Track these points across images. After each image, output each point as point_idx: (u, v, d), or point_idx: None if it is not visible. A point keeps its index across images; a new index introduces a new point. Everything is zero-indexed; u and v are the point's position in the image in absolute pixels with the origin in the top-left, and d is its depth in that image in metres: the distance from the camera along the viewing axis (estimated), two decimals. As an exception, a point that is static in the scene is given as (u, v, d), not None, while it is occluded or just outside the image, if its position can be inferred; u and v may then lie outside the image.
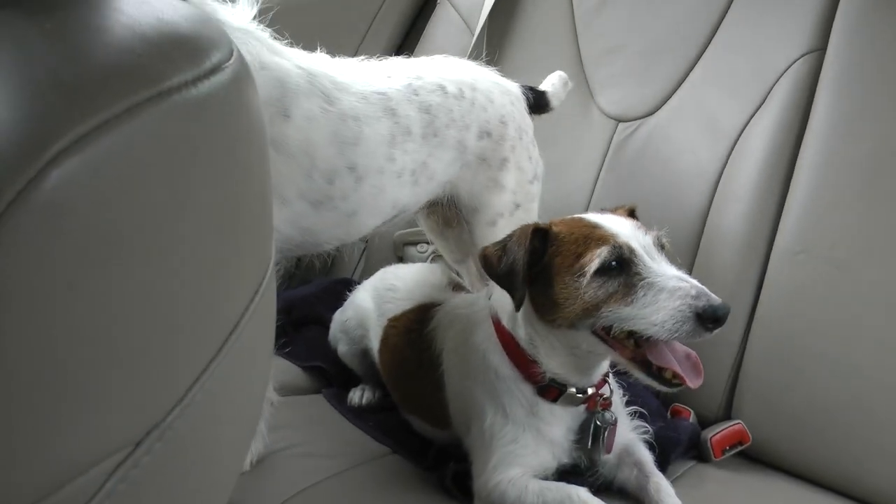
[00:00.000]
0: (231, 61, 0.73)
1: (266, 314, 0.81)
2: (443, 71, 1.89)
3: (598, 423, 1.75)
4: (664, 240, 1.66)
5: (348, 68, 1.76)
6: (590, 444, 1.75)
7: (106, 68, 0.61)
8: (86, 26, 0.65)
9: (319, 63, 1.70)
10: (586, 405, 1.75)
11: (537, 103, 2.09)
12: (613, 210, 1.78)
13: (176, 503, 0.73)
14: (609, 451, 1.77)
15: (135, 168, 0.60)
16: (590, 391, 1.74)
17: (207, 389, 0.70)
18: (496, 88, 1.94)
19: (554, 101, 2.13)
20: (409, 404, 2.04)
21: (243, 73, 0.76)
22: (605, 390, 1.78)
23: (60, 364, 0.56)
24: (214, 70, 0.70)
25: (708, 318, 1.47)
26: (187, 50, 0.69)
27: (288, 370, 2.29)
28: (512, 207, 1.93)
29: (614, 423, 1.76)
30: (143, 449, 0.65)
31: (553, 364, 1.69)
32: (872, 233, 2.00)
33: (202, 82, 0.68)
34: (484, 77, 1.95)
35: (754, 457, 2.09)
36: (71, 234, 0.55)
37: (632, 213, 1.78)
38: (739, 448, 2.04)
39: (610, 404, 1.78)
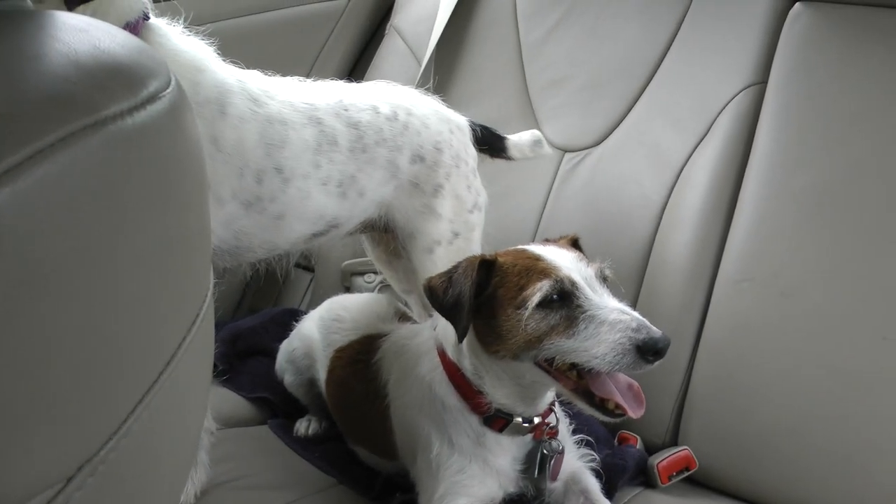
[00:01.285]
0: (169, 90, 0.73)
1: (203, 344, 0.80)
2: (381, 94, 1.92)
3: (544, 451, 1.75)
4: (607, 271, 1.67)
5: (280, 82, 1.81)
6: (536, 472, 1.75)
7: (40, 96, 0.60)
8: (21, 54, 0.65)
9: (252, 75, 1.76)
10: (533, 434, 1.75)
11: (492, 145, 2.10)
12: (557, 240, 1.79)
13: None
14: (555, 478, 1.77)
15: (68, 198, 0.59)
16: (536, 420, 1.74)
17: (143, 420, 0.69)
18: (434, 115, 1.96)
19: (514, 152, 2.13)
20: (356, 435, 2.03)
21: (181, 102, 0.75)
22: (552, 419, 1.78)
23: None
24: (151, 99, 0.69)
25: (648, 351, 1.48)
26: (124, 79, 0.68)
27: (233, 401, 2.26)
28: (450, 236, 1.93)
29: (561, 452, 1.76)
30: (74, 484, 0.64)
31: (499, 394, 1.69)
32: (815, 260, 2.04)
33: (139, 111, 0.67)
34: (423, 103, 1.97)
35: (701, 482, 2.10)
36: (2, 263, 0.54)
37: (575, 244, 1.79)
38: (686, 473, 2.06)
39: (556, 433, 1.78)
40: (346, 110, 1.81)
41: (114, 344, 0.65)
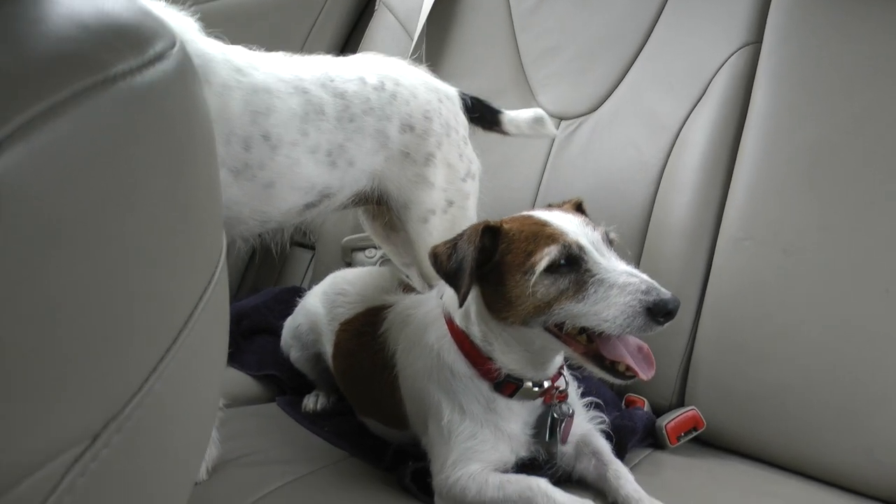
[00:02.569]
0: (174, 50, 0.72)
1: (220, 305, 0.80)
2: (368, 65, 1.91)
3: (554, 415, 1.76)
4: (612, 234, 1.67)
5: (264, 55, 1.80)
6: (547, 436, 1.75)
7: (48, 56, 0.60)
8: (24, 18, 0.64)
9: (236, 48, 1.76)
10: (543, 398, 1.76)
11: (484, 116, 2.10)
12: (560, 205, 1.79)
13: (136, 498, 0.72)
14: (565, 441, 1.77)
15: (81, 155, 0.59)
16: (546, 384, 1.74)
17: (165, 379, 0.69)
18: (422, 85, 1.95)
19: (510, 127, 2.12)
20: (365, 407, 2.04)
21: (187, 63, 0.75)
22: (561, 383, 1.79)
23: (10, 355, 0.55)
24: (158, 58, 0.69)
25: (659, 313, 1.48)
26: (130, 38, 0.68)
27: (240, 380, 2.27)
28: (444, 205, 1.93)
29: (571, 415, 1.77)
30: (101, 441, 0.64)
31: (508, 360, 1.70)
32: (815, 216, 2.04)
33: (146, 70, 0.67)
34: (410, 74, 1.97)
35: (709, 442, 2.12)
36: (17, 222, 0.54)
37: (579, 208, 1.79)
38: (694, 434, 2.07)
39: (566, 396, 1.79)
40: (331, 81, 1.81)
41: (133, 301, 0.65)
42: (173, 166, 0.71)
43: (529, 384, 1.72)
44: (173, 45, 0.73)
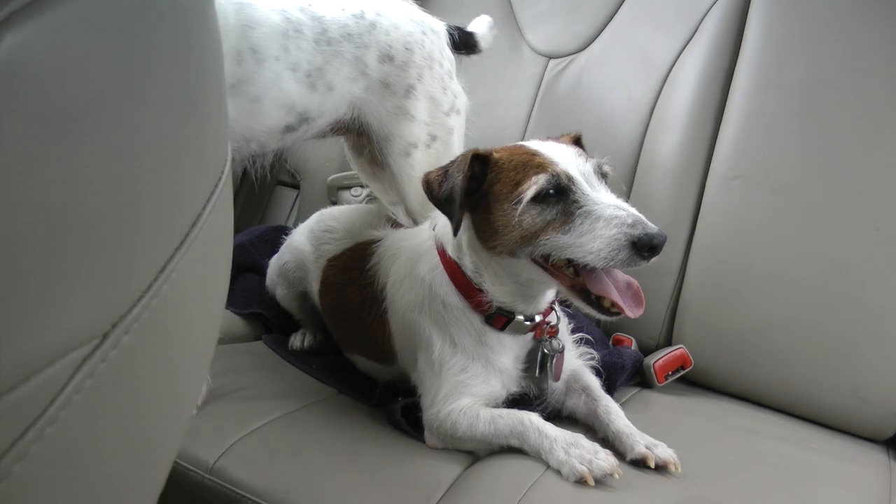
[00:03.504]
0: None
1: (225, 210, 0.78)
2: None
3: (545, 350, 1.75)
4: (606, 167, 1.64)
5: None
6: (538, 371, 1.75)
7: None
8: None
9: None
10: (534, 333, 1.75)
11: (465, 43, 2.08)
12: (558, 138, 1.76)
13: (144, 402, 0.70)
14: (557, 378, 1.77)
15: (92, 36, 0.57)
16: (537, 319, 1.74)
17: (173, 281, 0.67)
18: (406, 18, 1.94)
19: (483, 43, 2.11)
20: (353, 343, 2.02)
21: (196, -38, 0.72)
22: (552, 318, 1.79)
23: (21, 244, 0.53)
24: (169, -50, 0.66)
25: (644, 247, 1.46)
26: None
27: (226, 318, 2.25)
28: (427, 139, 1.91)
29: (561, 351, 1.77)
30: (110, 342, 0.62)
31: (499, 292, 1.69)
32: (806, 155, 2.04)
33: (157, -39, 0.64)
34: (395, 6, 1.95)
35: (697, 381, 2.13)
36: (28, 101, 0.52)
37: (577, 141, 1.77)
38: (682, 372, 2.08)
39: (557, 332, 1.78)
40: (309, 5, 1.80)
41: (144, 194, 0.63)
42: (184, 56, 0.69)
43: (521, 318, 1.71)
44: None
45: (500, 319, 1.70)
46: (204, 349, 0.84)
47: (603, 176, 1.62)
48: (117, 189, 0.60)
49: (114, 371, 0.63)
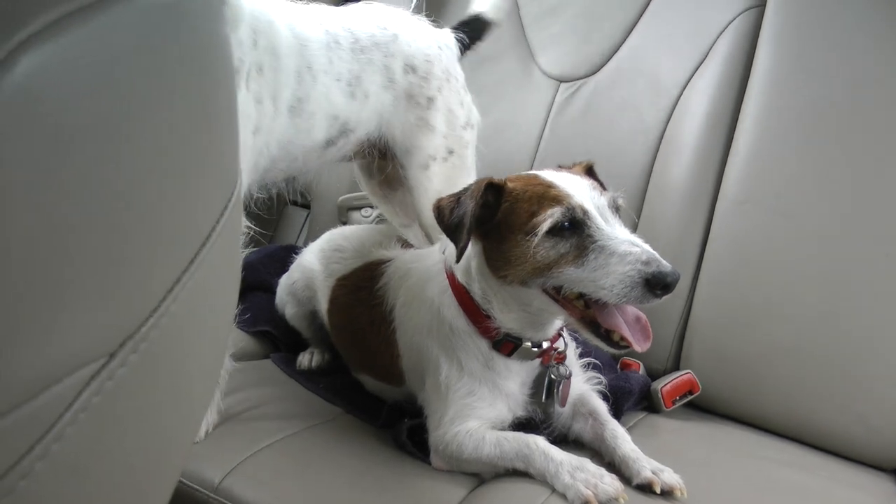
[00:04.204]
0: None
1: (234, 232, 0.79)
2: (371, 11, 1.97)
3: (552, 376, 1.75)
4: (620, 200, 1.64)
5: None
6: (544, 397, 1.75)
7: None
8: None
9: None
10: (541, 359, 1.75)
11: (476, 30, 2.14)
12: (570, 167, 1.77)
13: (149, 421, 0.71)
14: (564, 404, 1.77)
15: (110, 59, 0.58)
16: (545, 345, 1.74)
17: (182, 300, 0.68)
18: (422, 31, 2.00)
19: (491, 15, 2.16)
20: (361, 363, 2.03)
21: (209, -18, 0.74)
22: (560, 344, 1.79)
23: (30, 264, 0.54)
24: (183, -27, 0.67)
25: (657, 285, 1.46)
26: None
27: (235, 336, 2.25)
28: (444, 152, 1.94)
29: (568, 377, 1.77)
30: (117, 360, 0.63)
31: (506, 319, 1.69)
32: (815, 179, 2.03)
33: (172, -18, 0.65)
34: (410, 21, 2.01)
35: (704, 406, 2.12)
36: (45, 122, 0.53)
37: (589, 171, 1.78)
38: (689, 397, 2.07)
39: (564, 358, 1.78)
40: (340, 19, 1.87)
41: (156, 214, 0.64)
42: (197, 79, 0.70)
43: (528, 344, 1.71)
44: None
45: (507, 346, 1.70)
46: (211, 368, 0.84)
47: (616, 209, 1.63)
48: (128, 208, 0.61)
49: (121, 389, 0.64)
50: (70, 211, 0.55)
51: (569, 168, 1.75)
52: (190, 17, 0.68)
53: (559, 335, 1.78)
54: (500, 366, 1.71)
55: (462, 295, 1.72)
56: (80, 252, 0.57)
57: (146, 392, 0.69)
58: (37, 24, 0.52)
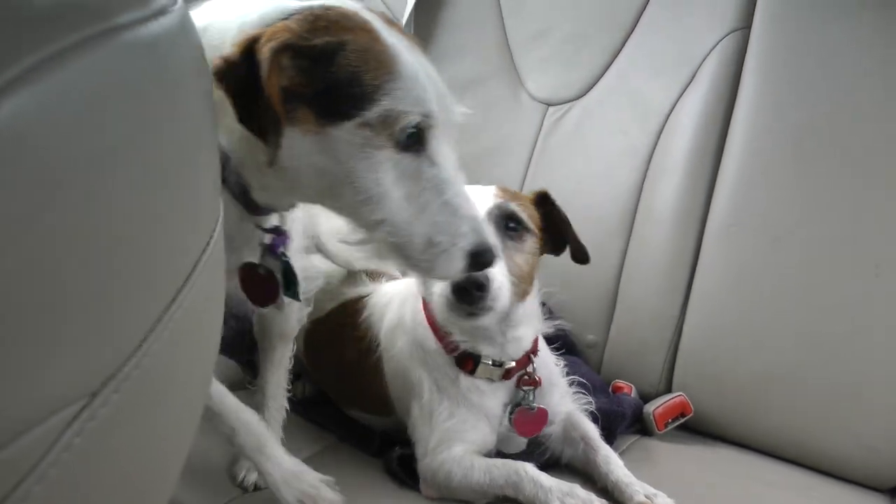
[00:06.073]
0: (177, 7, 0.71)
1: (217, 265, 0.79)
2: None
3: (520, 402, 1.75)
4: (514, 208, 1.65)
5: None
6: (505, 420, 1.75)
7: (53, 3, 0.58)
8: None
9: None
10: (516, 382, 1.75)
11: None
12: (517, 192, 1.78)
13: (134, 457, 0.70)
14: (526, 435, 1.77)
15: (85, 103, 0.58)
16: (508, 365, 1.73)
17: (164, 339, 0.68)
18: None
19: None
20: (349, 398, 2.01)
21: (188, 21, 0.74)
22: (531, 367, 1.77)
23: (10, 305, 0.53)
24: (162, 12, 0.68)
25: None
26: (133, -10, 0.66)
27: (226, 365, 2.24)
28: None
29: (535, 410, 1.75)
30: (99, 400, 0.63)
31: (456, 332, 1.70)
32: (804, 201, 2.04)
33: (150, 23, 0.65)
34: None
35: (697, 428, 2.11)
36: (27, 165, 0.53)
37: (544, 198, 1.75)
38: (682, 420, 2.06)
39: (535, 382, 1.76)
40: None
41: (133, 254, 0.64)
42: (177, 120, 0.70)
43: (489, 362, 1.71)
44: (175, 1, 0.71)
45: (467, 362, 1.71)
46: (195, 404, 0.84)
47: (510, 219, 1.64)
48: (108, 249, 0.61)
49: (104, 428, 0.64)
50: (51, 254, 0.55)
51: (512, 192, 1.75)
52: (170, 55, 0.68)
53: (528, 359, 1.77)
54: (466, 384, 1.72)
55: (428, 314, 1.73)
56: (60, 294, 0.57)
57: (130, 430, 0.68)
58: (17, 69, 0.52)
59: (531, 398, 1.75)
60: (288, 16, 1.13)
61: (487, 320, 1.56)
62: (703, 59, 2.31)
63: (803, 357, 1.98)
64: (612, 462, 1.70)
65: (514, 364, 1.74)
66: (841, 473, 1.95)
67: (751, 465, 1.98)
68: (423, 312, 1.76)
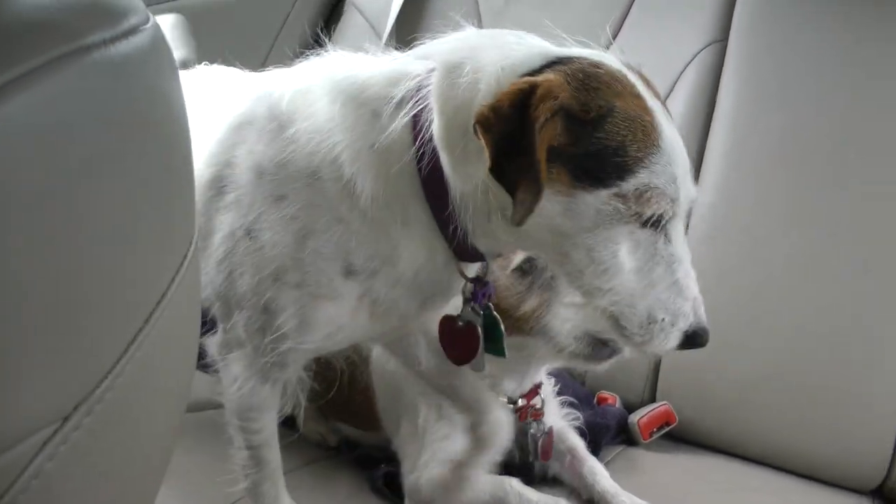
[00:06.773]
0: (148, 26, 0.71)
1: (192, 285, 0.78)
2: None
3: (532, 431, 1.74)
4: None
5: None
6: (530, 456, 1.75)
7: (21, 22, 0.58)
8: (-5, -14, 0.62)
9: None
10: (518, 416, 1.75)
11: None
12: None
13: (106, 483, 0.70)
14: (546, 458, 1.76)
15: (54, 124, 0.58)
16: (520, 402, 1.74)
17: (137, 360, 0.67)
18: None
19: None
20: (336, 411, 2.00)
21: (160, 41, 0.74)
22: (537, 401, 1.78)
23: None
24: (132, 31, 0.67)
25: None
26: (103, 10, 0.66)
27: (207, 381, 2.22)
28: None
29: (548, 432, 1.76)
30: (71, 424, 0.62)
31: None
32: (783, 210, 2.06)
33: (120, 42, 0.65)
34: None
35: (682, 437, 2.11)
36: None
37: None
38: (666, 429, 2.06)
39: (540, 415, 1.77)
40: None
41: (104, 278, 0.64)
42: (149, 140, 0.69)
43: (504, 399, 1.71)
44: (147, 20, 0.71)
45: None
46: (170, 425, 0.83)
47: None
48: (79, 270, 0.60)
49: (76, 452, 0.63)
50: (21, 279, 0.55)
51: None
52: (139, 75, 0.68)
53: (536, 392, 1.78)
54: None
55: None
56: (30, 319, 0.56)
57: (102, 454, 0.68)
58: None
59: (544, 427, 1.76)
60: (550, 63, 1.14)
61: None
62: (681, 73, 2.33)
63: (784, 362, 1.99)
64: (597, 473, 1.71)
65: (525, 402, 1.74)
66: (825, 476, 1.96)
67: (735, 472, 1.99)
68: None
